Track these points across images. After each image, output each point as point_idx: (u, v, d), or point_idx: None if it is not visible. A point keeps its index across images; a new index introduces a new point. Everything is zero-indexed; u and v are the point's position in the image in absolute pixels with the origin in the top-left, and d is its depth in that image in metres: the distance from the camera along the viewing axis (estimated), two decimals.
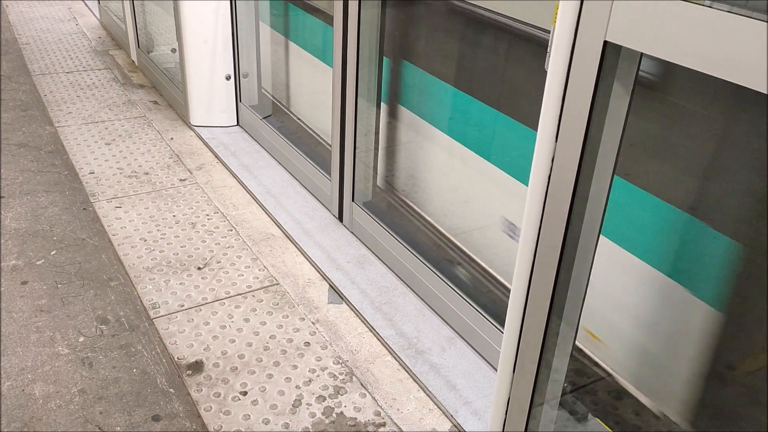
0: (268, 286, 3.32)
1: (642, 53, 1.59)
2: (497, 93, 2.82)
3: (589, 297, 2.03)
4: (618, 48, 1.60)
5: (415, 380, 2.78)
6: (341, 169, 3.70)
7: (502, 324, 2.44)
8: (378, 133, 3.63)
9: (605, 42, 1.56)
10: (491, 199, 3.00)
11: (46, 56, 6.35)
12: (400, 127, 3.54)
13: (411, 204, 3.59)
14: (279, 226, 3.83)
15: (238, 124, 5.06)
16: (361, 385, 2.75)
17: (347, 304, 3.21)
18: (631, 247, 2.31)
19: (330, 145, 3.80)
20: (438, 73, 3.14)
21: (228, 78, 4.85)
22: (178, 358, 2.84)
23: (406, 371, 2.82)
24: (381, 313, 3.11)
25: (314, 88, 4.45)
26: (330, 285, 3.35)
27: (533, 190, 1.84)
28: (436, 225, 3.43)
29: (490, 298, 2.96)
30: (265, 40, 4.87)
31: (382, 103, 3.56)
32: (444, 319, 3.08)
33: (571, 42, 1.63)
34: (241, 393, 2.67)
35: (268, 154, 4.64)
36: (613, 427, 2.53)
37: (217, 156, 4.62)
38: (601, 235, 1.91)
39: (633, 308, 2.34)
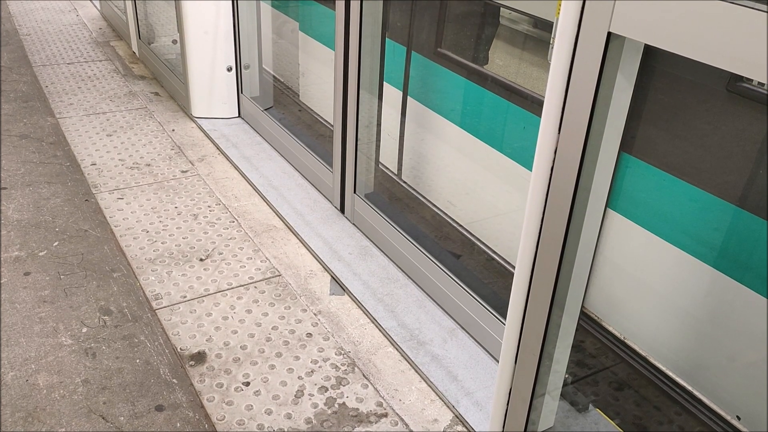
0: (270, 278, 3.33)
1: (645, 44, 1.59)
2: None
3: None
4: (622, 39, 1.59)
5: (416, 371, 2.79)
6: (343, 160, 3.70)
7: (504, 315, 2.45)
8: (380, 125, 3.62)
9: (609, 33, 1.56)
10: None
11: (47, 47, 6.34)
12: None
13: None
14: (281, 217, 3.84)
15: (239, 115, 5.06)
16: (363, 376, 2.76)
17: (349, 296, 3.22)
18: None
19: (332, 126, 3.78)
20: None
21: (229, 69, 4.84)
22: (180, 348, 2.85)
23: (408, 362, 2.83)
24: (383, 305, 3.12)
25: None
26: (332, 276, 3.35)
27: (536, 182, 1.84)
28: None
29: (491, 290, 2.97)
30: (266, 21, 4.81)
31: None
32: (445, 311, 3.09)
33: (575, 33, 1.63)
34: (243, 383, 2.68)
35: (269, 146, 4.64)
36: (613, 418, 2.54)
37: (218, 147, 4.62)
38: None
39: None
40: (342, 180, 3.77)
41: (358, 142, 3.56)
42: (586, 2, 1.59)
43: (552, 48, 1.71)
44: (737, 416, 2.30)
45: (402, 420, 2.56)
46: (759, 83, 2.04)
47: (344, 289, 3.26)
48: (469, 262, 3.28)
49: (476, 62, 3.22)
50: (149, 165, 4.35)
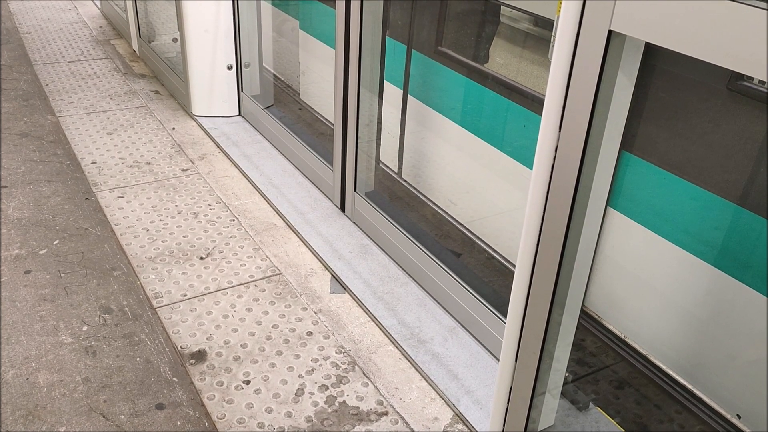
0: (270, 276, 3.33)
1: (646, 43, 1.59)
2: None
3: None
4: (623, 37, 1.59)
5: (417, 370, 2.79)
6: (343, 159, 3.70)
7: (504, 314, 2.45)
8: (380, 123, 3.62)
9: (610, 31, 1.56)
10: None
11: (47, 45, 6.34)
12: None
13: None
14: (281, 216, 3.84)
15: (239, 114, 5.06)
16: (364, 374, 2.76)
17: (349, 294, 3.22)
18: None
19: (332, 124, 3.78)
20: None
21: (230, 68, 4.84)
22: (181, 347, 2.85)
23: (408, 361, 2.83)
24: (383, 303, 3.12)
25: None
26: (332, 275, 3.35)
27: (536, 180, 1.84)
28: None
29: (492, 288, 2.97)
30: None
31: None
32: (446, 309, 3.09)
33: (576, 32, 1.63)
34: (244, 382, 2.68)
35: (269, 144, 4.64)
36: (614, 417, 2.54)
37: (218, 146, 4.61)
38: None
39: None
40: (342, 178, 3.76)
41: (359, 141, 3.56)
42: (587, 0, 1.59)
43: (553, 46, 1.70)
44: (737, 415, 2.30)
45: (402, 418, 2.56)
46: (760, 81, 2.04)
47: (345, 287, 3.26)
48: (470, 261, 3.28)
49: (477, 60, 3.21)
50: (149, 163, 4.35)
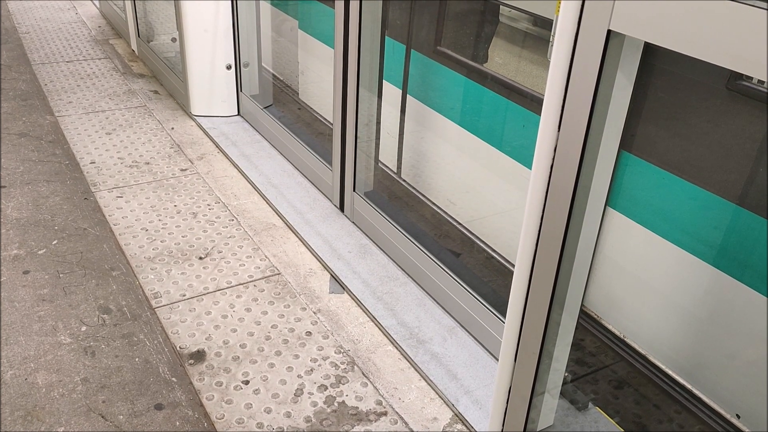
0: (269, 276, 3.33)
1: (645, 42, 1.59)
2: None
3: None
4: (621, 37, 1.59)
5: (416, 370, 2.79)
6: (342, 158, 3.69)
7: (504, 313, 2.45)
8: (379, 123, 3.62)
9: (609, 31, 1.56)
10: None
11: (45, 45, 6.33)
12: None
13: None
14: (280, 215, 3.84)
15: (239, 113, 5.05)
16: (363, 374, 2.76)
17: (348, 294, 3.21)
18: None
19: (332, 124, 3.77)
20: None
21: (229, 68, 4.83)
22: (180, 347, 2.84)
23: (408, 361, 2.83)
24: (382, 303, 3.12)
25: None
26: (331, 275, 3.35)
27: (536, 180, 1.84)
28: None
29: (491, 288, 2.97)
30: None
31: None
32: (445, 309, 3.08)
33: (575, 31, 1.62)
34: (243, 382, 2.68)
35: (269, 144, 4.63)
36: (613, 416, 2.54)
37: (218, 146, 4.61)
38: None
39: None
40: (341, 178, 3.76)
41: (358, 141, 3.56)
42: (586, 0, 1.59)
43: (552, 46, 1.70)
44: (737, 415, 2.30)
45: (401, 418, 2.56)
46: (759, 81, 2.04)
47: (344, 287, 3.25)
48: (469, 261, 3.28)
49: (476, 60, 3.21)
50: (148, 163, 4.35)
